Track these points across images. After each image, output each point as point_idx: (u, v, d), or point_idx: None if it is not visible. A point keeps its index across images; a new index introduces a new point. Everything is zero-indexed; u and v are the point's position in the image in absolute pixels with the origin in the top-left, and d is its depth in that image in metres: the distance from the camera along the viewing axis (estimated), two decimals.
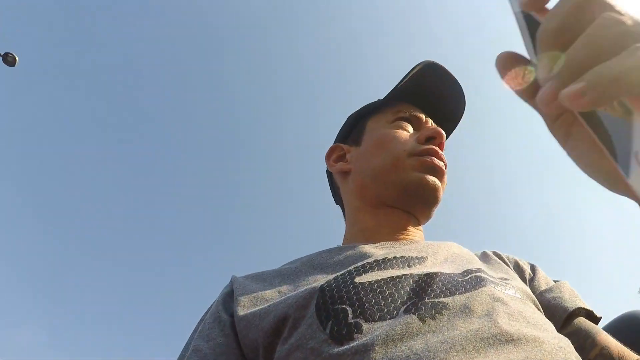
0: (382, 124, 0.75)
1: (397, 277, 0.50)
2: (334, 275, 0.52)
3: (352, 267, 0.53)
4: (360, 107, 0.82)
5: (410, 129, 0.73)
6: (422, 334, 0.42)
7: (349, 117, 0.83)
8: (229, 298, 0.58)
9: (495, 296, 0.48)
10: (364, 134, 0.76)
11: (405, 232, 0.68)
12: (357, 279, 0.50)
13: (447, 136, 0.79)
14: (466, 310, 0.45)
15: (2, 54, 7.03)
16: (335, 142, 0.84)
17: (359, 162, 0.75)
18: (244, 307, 0.53)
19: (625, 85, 0.19)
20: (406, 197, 0.68)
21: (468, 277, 0.51)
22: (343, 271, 0.53)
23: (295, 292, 0.51)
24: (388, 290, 0.48)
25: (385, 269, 0.52)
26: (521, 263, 0.68)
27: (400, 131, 0.72)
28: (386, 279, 0.50)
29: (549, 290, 0.61)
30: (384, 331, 0.42)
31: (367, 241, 0.65)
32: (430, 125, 0.74)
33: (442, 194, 0.69)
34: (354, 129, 0.81)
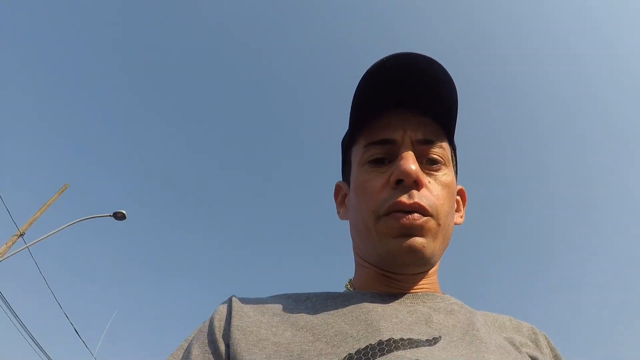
0: (357, 163, 0.64)
1: None
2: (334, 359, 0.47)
3: (354, 351, 0.48)
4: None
5: (384, 164, 0.61)
6: None
7: (342, 141, 0.72)
8: (225, 324, 0.55)
9: None
10: (350, 172, 0.67)
11: (413, 285, 0.61)
12: None
13: (451, 119, 0.64)
14: None
15: (112, 213, 8.98)
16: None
17: (350, 213, 0.67)
18: (242, 349, 0.50)
19: None
20: (387, 265, 0.59)
21: None
22: (343, 356, 0.47)
23: None
24: None
25: (387, 353, 0.47)
26: None
27: (369, 179, 0.61)
28: None
29: None
30: None
31: (374, 292, 0.60)
32: (402, 156, 0.58)
33: (431, 247, 0.57)
34: (344, 162, 0.72)
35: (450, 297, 0.62)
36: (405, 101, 0.62)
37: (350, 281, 0.68)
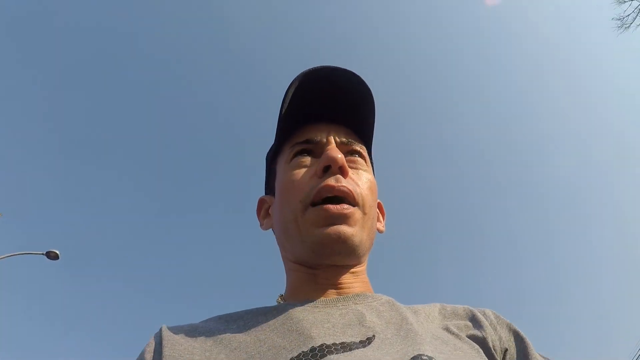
0: (283, 166, 0.66)
1: None
2: None
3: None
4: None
5: (310, 160, 0.64)
6: None
7: (266, 157, 0.76)
8: (157, 355, 0.52)
9: None
10: (275, 181, 0.69)
11: (341, 284, 0.62)
12: None
13: (370, 132, 0.70)
14: None
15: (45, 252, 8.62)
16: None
17: (275, 216, 0.68)
18: None
19: None
20: (317, 256, 0.60)
21: None
22: None
23: None
24: None
25: (320, 359, 0.47)
26: (511, 340, 0.60)
27: (296, 172, 0.63)
28: None
29: None
30: None
31: (304, 300, 0.59)
32: (328, 148, 0.62)
33: (359, 236, 0.59)
34: (269, 175, 0.74)
35: (381, 296, 0.61)
36: (328, 114, 0.67)
37: (281, 296, 0.71)
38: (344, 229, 0.58)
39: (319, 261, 0.60)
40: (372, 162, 0.72)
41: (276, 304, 0.66)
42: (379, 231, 0.71)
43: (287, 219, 0.62)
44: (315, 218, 0.58)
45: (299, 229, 0.60)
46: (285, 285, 0.69)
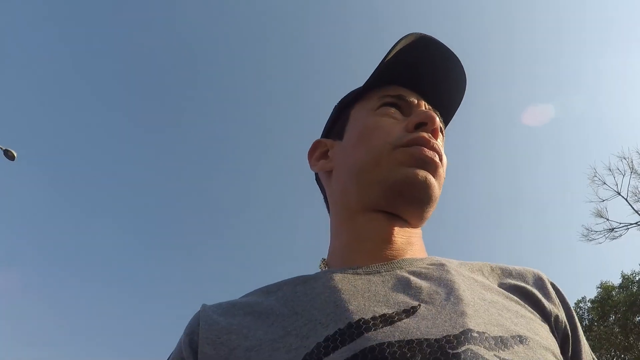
0: (366, 112, 0.63)
1: (371, 348, 0.40)
2: (303, 353, 0.43)
3: (322, 339, 0.43)
4: (347, 93, 0.70)
5: (399, 115, 0.61)
6: None
7: (334, 107, 0.71)
8: (195, 337, 0.51)
9: None
10: (347, 125, 0.65)
11: (393, 244, 0.56)
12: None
13: (446, 124, 0.69)
14: None
15: (3, 149, 8.37)
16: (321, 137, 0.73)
17: (340, 158, 0.64)
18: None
19: None
20: (393, 197, 0.56)
21: (460, 349, 0.40)
22: (312, 348, 0.43)
23: None
24: None
25: (357, 337, 0.42)
26: (567, 317, 0.54)
27: (385, 119, 0.60)
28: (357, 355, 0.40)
29: None
30: None
31: (345, 265, 0.56)
32: (422, 108, 0.62)
33: (437, 191, 0.57)
34: (337, 120, 0.70)
35: (431, 257, 0.57)
36: (425, 87, 0.65)
37: (323, 260, 0.63)
38: (430, 176, 0.56)
39: (391, 204, 0.57)
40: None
41: (319, 269, 0.62)
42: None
43: (366, 160, 0.58)
44: (406, 158, 0.56)
45: (380, 168, 0.57)
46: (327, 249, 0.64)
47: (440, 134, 0.60)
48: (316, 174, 0.73)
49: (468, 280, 0.51)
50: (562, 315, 0.53)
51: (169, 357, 0.53)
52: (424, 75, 0.64)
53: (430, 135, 0.57)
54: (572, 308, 0.56)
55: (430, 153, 0.56)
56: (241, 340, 0.47)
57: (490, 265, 0.58)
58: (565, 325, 0.53)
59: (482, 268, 0.57)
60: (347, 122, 0.66)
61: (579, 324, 0.55)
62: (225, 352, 0.47)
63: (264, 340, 0.46)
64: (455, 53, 0.64)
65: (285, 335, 0.46)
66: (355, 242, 0.58)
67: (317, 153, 0.70)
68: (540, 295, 0.53)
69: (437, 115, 0.63)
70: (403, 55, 0.62)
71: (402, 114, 0.62)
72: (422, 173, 0.55)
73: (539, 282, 0.56)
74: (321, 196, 0.73)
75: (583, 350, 0.54)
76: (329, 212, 0.69)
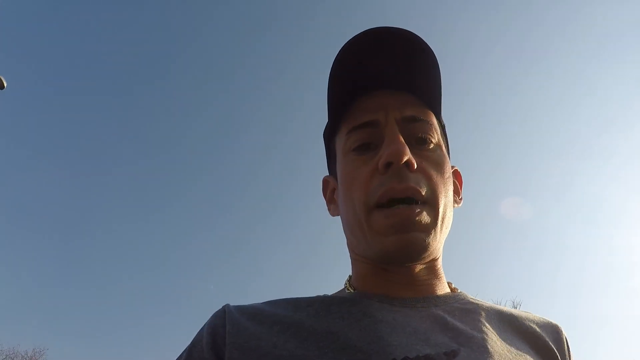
0: (342, 153, 0.59)
1: None
2: None
3: None
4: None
5: (371, 153, 0.56)
6: None
7: (323, 133, 0.67)
8: (219, 339, 0.50)
9: None
10: (336, 165, 0.62)
11: (418, 281, 0.56)
12: None
13: (435, 98, 0.59)
14: None
15: None
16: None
17: (340, 206, 0.61)
18: None
19: None
20: (387, 263, 0.55)
21: None
22: None
23: None
24: None
25: None
26: None
27: (356, 169, 0.56)
28: None
29: None
30: None
31: (376, 291, 0.55)
32: (388, 138, 0.54)
33: (427, 240, 0.52)
34: (329, 154, 0.66)
35: (464, 295, 0.58)
36: (384, 82, 0.58)
37: (349, 279, 0.62)
38: (413, 236, 0.51)
39: (389, 263, 0.55)
40: (443, 125, 0.62)
41: (344, 287, 0.62)
42: (455, 206, 0.62)
43: (351, 219, 0.56)
44: (380, 226, 0.52)
45: (364, 234, 0.54)
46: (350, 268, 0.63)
47: (426, 136, 0.56)
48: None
49: (497, 328, 0.53)
50: None
51: (183, 354, 0.52)
52: (381, 66, 0.57)
53: (401, 174, 0.52)
54: None
55: (401, 216, 0.50)
56: (270, 349, 0.47)
57: (516, 312, 0.59)
58: None
59: (510, 316, 0.58)
60: (336, 160, 0.63)
61: None
62: (254, 359, 0.46)
63: (296, 354, 0.46)
64: (403, 28, 0.56)
65: (321, 355, 0.45)
66: (378, 276, 0.57)
67: (328, 194, 0.67)
68: (555, 350, 0.56)
69: (416, 114, 0.57)
70: (349, 60, 0.57)
71: (375, 140, 0.56)
72: (403, 238, 0.51)
73: (556, 336, 0.58)
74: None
75: None
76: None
